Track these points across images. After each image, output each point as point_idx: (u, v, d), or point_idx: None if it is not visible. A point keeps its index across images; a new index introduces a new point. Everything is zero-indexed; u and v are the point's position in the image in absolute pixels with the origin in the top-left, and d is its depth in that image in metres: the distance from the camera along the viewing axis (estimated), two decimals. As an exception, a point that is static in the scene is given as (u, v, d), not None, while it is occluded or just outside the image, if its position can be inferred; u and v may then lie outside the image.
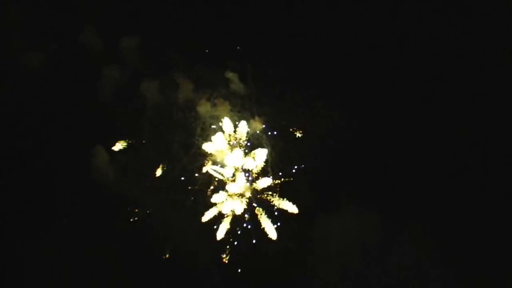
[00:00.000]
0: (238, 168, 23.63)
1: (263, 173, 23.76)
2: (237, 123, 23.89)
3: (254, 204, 23.80)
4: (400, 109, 24.08)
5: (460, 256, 22.51)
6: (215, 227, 23.45)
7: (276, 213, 23.63)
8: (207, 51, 24.33)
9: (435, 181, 23.70)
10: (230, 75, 23.58)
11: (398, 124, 24.13)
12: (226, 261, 23.52)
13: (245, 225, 23.80)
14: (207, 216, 23.35)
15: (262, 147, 23.74)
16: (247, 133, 23.77)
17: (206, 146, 23.66)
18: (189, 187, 23.78)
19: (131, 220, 23.63)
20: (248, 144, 23.96)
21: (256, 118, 23.83)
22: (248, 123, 23.74)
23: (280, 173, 23.92)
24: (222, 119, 23.78)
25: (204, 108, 23.91)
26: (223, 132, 23.76)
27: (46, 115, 24.01)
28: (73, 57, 24.24)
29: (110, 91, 23.89)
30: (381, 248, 23.08)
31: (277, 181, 23.78)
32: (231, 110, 23.84)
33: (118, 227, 23.37)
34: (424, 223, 22.88)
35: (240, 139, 23.85)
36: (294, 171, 24.07)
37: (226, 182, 23.75)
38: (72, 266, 22.84)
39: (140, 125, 24.11)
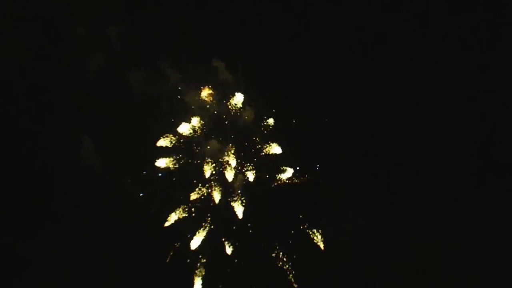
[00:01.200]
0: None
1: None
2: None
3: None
4: (399, 105, 23.56)
5: (461, 255, 22.13)
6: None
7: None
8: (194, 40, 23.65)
9: (436, 180, 23.30)
10: (218, 64, 22.74)
11: (396, 120, 23.64)
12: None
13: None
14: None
15: (254, 140, 23.05)
16: (242, 103, 22.90)
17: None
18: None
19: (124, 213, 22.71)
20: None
21: (247, 108, 23.07)
22: (239, 114, 23.05)
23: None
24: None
25: (192, 98, 23.13)
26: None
27: (31, 105, 23.47)
28: (58, 46, 23.65)
29: (95, 81, 23.27)
30: (382, 248, 22.64)
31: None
32: (219, 100, 23.08)
33: (110, 219, 22.59)
34: (425, 222, 22.55)
35: (236, 106, 22.97)
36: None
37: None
38: (68, 261, 22.37)
39: (128, 115, 23.36)
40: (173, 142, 22.63)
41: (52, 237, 22.41)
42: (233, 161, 22.40)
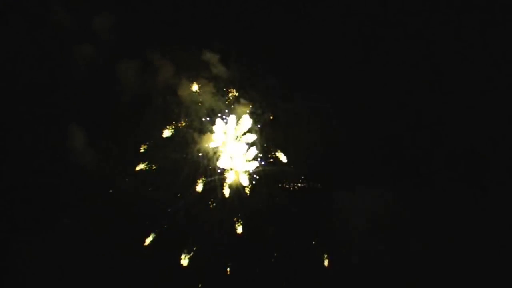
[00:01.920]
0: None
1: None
2: (226, 111, 22.17)
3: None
4: (404, 103, 22.68)
5: (479, 237, 21.44)
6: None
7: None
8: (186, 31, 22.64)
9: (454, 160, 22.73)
10: (210, 56, 21.79)
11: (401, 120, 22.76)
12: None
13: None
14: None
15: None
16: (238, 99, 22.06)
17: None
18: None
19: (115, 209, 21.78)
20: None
21: (242, 101, 22.15)
22: (233, 107, 22.12)
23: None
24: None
25: (185, 92, 22.20)
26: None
27: (17, 98, 22.40)
28: (42, 37, 22.52)
29: (82, 73, 22.32)
30: (399, 229, 21.85)
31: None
32: (214, 95, 22.16)
33: (102, 216, 21.74)
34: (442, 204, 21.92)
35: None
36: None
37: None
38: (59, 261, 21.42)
39: (118, 109, 22.41)
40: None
41: (44, 236, 21.47)
42: (230, 174, 21.74)
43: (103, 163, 21.93)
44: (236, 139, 22.08)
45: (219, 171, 21.84)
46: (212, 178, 21.78)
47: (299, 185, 22.30)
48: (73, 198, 21.99)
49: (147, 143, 22.07)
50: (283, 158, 22.11)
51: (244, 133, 22.17)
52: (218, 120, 21.92)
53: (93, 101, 22.45)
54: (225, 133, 22.01)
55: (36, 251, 21.25)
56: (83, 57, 22.30)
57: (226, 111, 22.20)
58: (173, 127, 22.20)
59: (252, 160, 21.89)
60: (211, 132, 22.02)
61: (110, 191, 21.89)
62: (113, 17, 22.34)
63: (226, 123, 22.05)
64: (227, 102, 22.35)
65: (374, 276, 21.72)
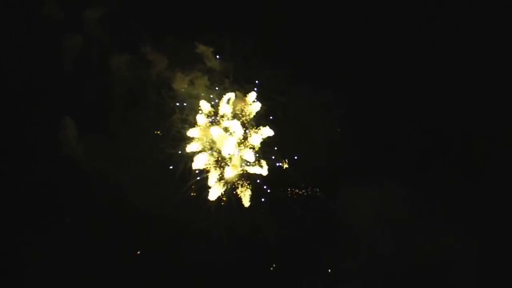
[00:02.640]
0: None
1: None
2: (216, 100, 21.65)
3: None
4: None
5: (492, 233, 20.83)
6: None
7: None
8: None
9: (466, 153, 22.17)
10: (203, 49, 21.19)
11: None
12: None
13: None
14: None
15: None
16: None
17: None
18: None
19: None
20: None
21: (237, 93, 21.51)
22: (229, 101, 21.52)
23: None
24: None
25: (180, 86, 21.71)
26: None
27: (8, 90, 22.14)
28: (34, 29, 22.20)
29: (74, 67, 21.97)
30: (409, 224, 21.26)
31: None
32: (209, 88, 21.61)
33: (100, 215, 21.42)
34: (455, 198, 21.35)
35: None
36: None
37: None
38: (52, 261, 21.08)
39: (110, 104, 21.98)
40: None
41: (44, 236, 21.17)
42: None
43: (98, 160, 21.49)
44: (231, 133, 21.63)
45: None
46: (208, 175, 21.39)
47: (298, 191, 21.81)
48: (71, 197, 21.64)
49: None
50: (284, 159, 21.70)
51: (247, 129, 21.77)
52: (205, 107, 21.54)
53: (86, 97, 22.01)
54: (222, 128, 21.59)
55: (36, 251, 20.98)
56: (75, 50, 21.90)
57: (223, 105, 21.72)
58: (168, 122, 21.81)
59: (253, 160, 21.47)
60: (207, 127, 21.54)
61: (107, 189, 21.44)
62: (105, 10, 21.84)
63: (221, 117, 21.68)
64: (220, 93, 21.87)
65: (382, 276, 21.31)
